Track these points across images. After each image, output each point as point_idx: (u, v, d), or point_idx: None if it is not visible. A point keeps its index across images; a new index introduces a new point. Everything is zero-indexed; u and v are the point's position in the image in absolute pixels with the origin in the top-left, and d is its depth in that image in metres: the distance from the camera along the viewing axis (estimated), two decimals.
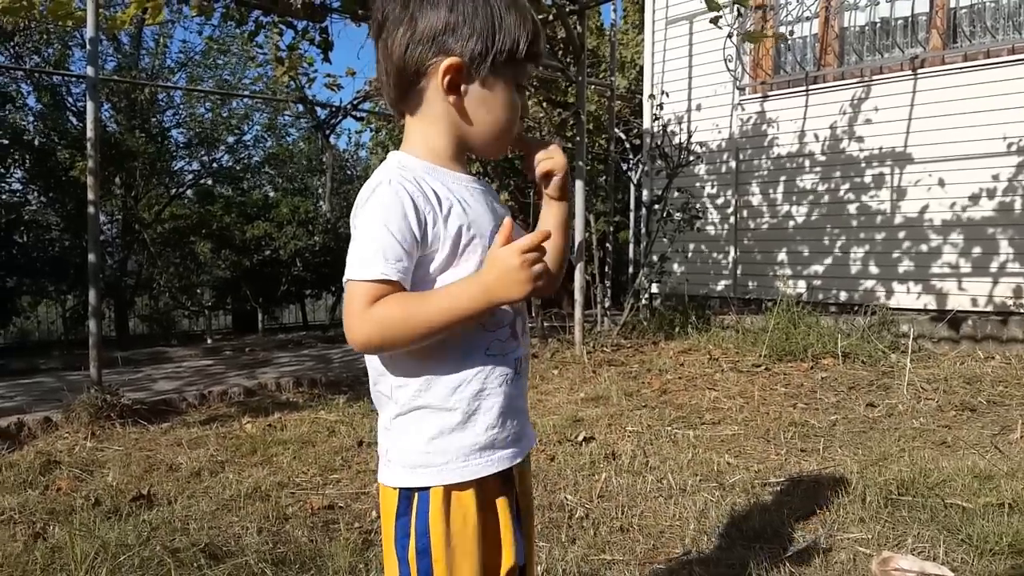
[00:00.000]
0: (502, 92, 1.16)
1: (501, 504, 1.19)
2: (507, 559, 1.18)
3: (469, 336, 1.14)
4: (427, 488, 1.14)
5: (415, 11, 1.12)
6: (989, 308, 6.18)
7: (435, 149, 1.18)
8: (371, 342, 1.09)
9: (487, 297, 1.07)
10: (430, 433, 1.15)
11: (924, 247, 6.59)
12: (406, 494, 1.15)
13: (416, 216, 1.09)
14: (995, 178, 6.18)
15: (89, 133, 4.36)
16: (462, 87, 1.14)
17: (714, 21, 5.41)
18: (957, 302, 6.33)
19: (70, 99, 11.17)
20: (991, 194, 6.21)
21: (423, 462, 1.15)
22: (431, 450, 1.15)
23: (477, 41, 1.12)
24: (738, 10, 5.77)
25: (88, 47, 4.48)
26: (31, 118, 11.04)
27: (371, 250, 1.07)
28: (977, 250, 6.29)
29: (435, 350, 1.13)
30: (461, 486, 1.15)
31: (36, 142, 10.29)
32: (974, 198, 6.29)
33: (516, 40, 1.13)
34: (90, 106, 4.40)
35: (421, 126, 1.18)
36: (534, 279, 1.07)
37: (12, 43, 10.49)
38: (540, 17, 6.14)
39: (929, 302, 6.52)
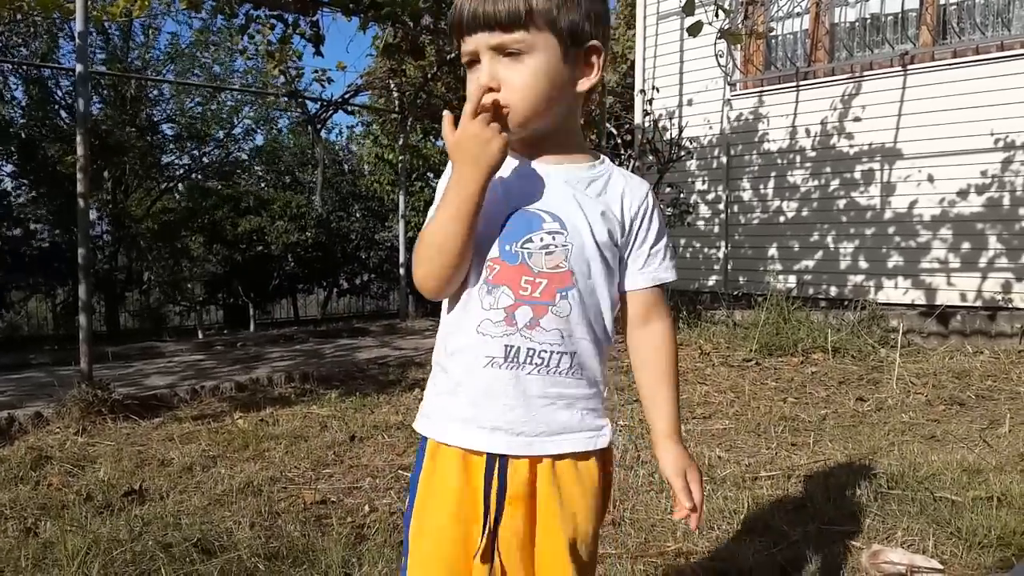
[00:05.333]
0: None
1: (473, 473, 1.21)
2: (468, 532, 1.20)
3: (468, 308, 1.20)
4: (425, 438, 1.25)
5: None
6: (978, 303, 6.22)
7: None
8: (414, 273, 1.19)
9: (455, 170, 1.14)
10: (436, 389, 1.26)
11: (913, 243, 6.63)
12: (421, 437, 1.27)
13: None
14: (983, 174, 6.22)
15: (78, 127, 4.34)
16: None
17: (693, 32, 5.33)
18: (946, 297, 6.38)
19: (59, 92, 11.10)
20: (980, 190, 6.25)
21: (426, 412, 1.27)
22: (432, 404, 1.26)
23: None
24: (720, 8, 5.76)
25: (77, 40, 4.45)
26: (19, 111, 10.96)
27: None
28: (966, 245, 6.33)
29: (447, 313, 1.23)
30: (445, 445, 1.22)
31: (24, 135, 10.22)
32: (963, 194, 6.33)
33: (450, 16, 1.17)
34: (80, 100, 4.37)
35: None
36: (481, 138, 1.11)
37: None
38: None
39: (918, 297, 6.56)
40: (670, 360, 1.29)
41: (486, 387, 1.19)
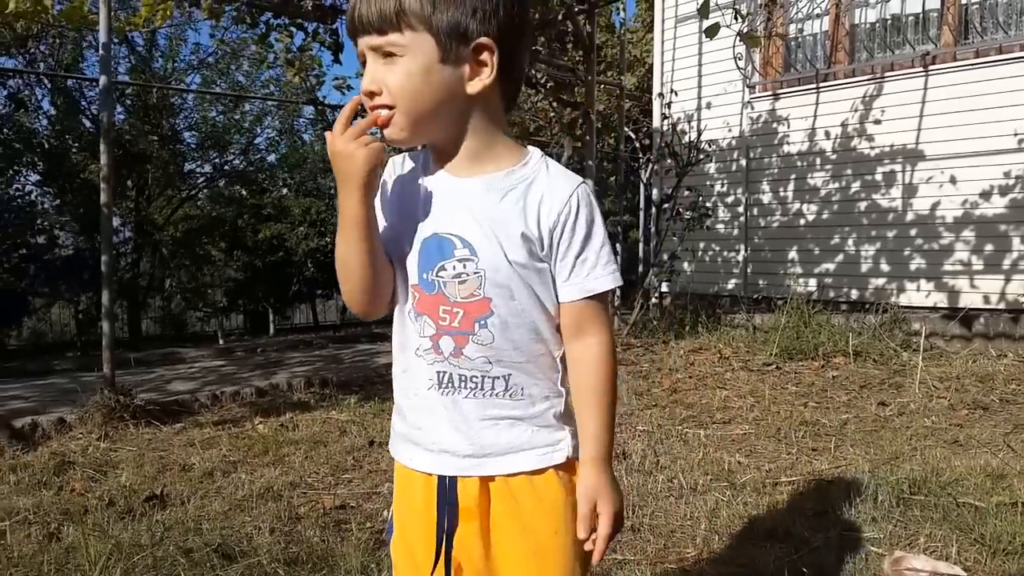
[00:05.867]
0: None
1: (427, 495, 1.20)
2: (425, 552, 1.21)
3: (407, 331, 1.19)
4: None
5: None
6: (1001, 306, 6.14)
7: None
8: (342, 292, 1.21)
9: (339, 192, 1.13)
10: (394, 408, 1.27)
11: (935, 245, 6.55)
12: None
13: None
14: (1007, 175, 6.14)
15: (102, 137, 4.39)
16: None
17: (710, 34, 5.33)
18: (969, 300, 6.30)
19: (83, 102, 11.25)
20: (1003, 191, 6.17)
21: (392, 430, 1.28)
22: (392, 422, 1.27)
23: None
24: (737, 12, 5.76)
25: (101, 51, 4.51)
26: (44, 121, 11.12)
27: None
28: (989, 247, 6.25)
29: (393, 334, 1.23)
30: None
31: (48, 145, 10.36)
32: (986, 195, 6.25)
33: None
34: (103, 111, 4.43)
35: None
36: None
37: (25, 48, 10.57)
38: (550, 17, 6.15)
39: (940, 300, 6.48)
40: (601, 379, 1.17)
41: (429, 410, 1.18)
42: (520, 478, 1.18)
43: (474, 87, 1.10)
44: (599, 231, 1.15)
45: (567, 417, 1.20)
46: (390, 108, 1.09)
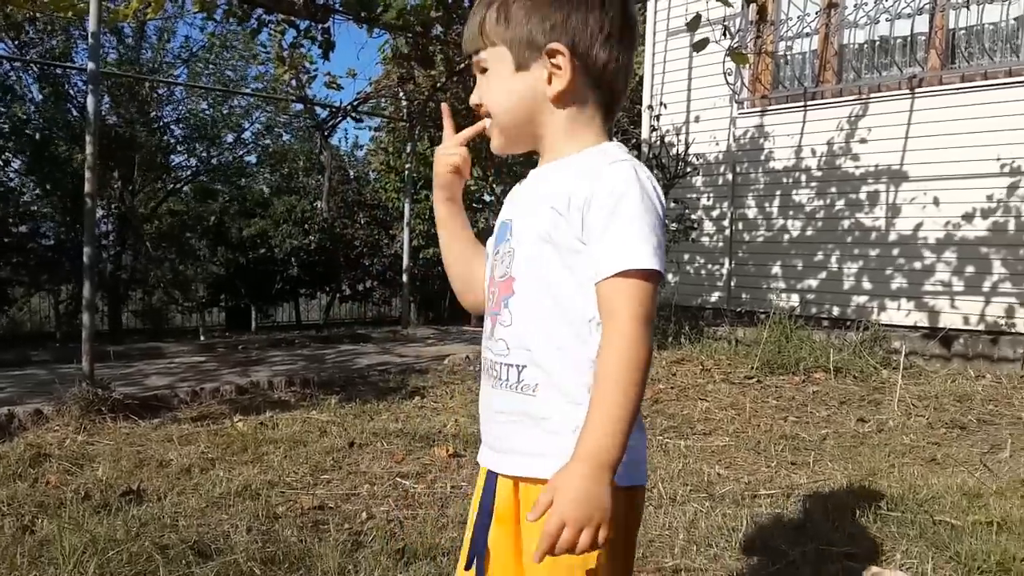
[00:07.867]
0: None
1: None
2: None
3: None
4: None
5: None
6: (981, 327, 6.21)
7: None
8: None
9: None
10: None
11: (917, 264, 6.62)
12: None
13: None
14: (989, 198, 6.21)
15: (88, 127, 4.36)
16: None
17: (698, 48, 5.38)
18: (949, 320, 6.37)
19: (71, 91, 11.15)
20: (985, 214, 6.24)
21: None
22: None
23: None
24: (726, 29, 5.81)
25: (90, 40, 4.48)
26: (32, 108, 11.01)
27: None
28: (970, 269, 6.32)
29: None
30: None
31: (36, 134, 10.26)
32: (968, 217, 6.32)
33: None
34: (90, 100, 4.40)
35: None
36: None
37: (17, 35, 10.46)
38: None
39: (921, 319, 6.55)
40: (604, 370, 1.05)
41: (480, 398, 1.26)
42: (538, 487, 1.10)
43: (553, 89, 1.16)
44: (629, 209, 1.07)
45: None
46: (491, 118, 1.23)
